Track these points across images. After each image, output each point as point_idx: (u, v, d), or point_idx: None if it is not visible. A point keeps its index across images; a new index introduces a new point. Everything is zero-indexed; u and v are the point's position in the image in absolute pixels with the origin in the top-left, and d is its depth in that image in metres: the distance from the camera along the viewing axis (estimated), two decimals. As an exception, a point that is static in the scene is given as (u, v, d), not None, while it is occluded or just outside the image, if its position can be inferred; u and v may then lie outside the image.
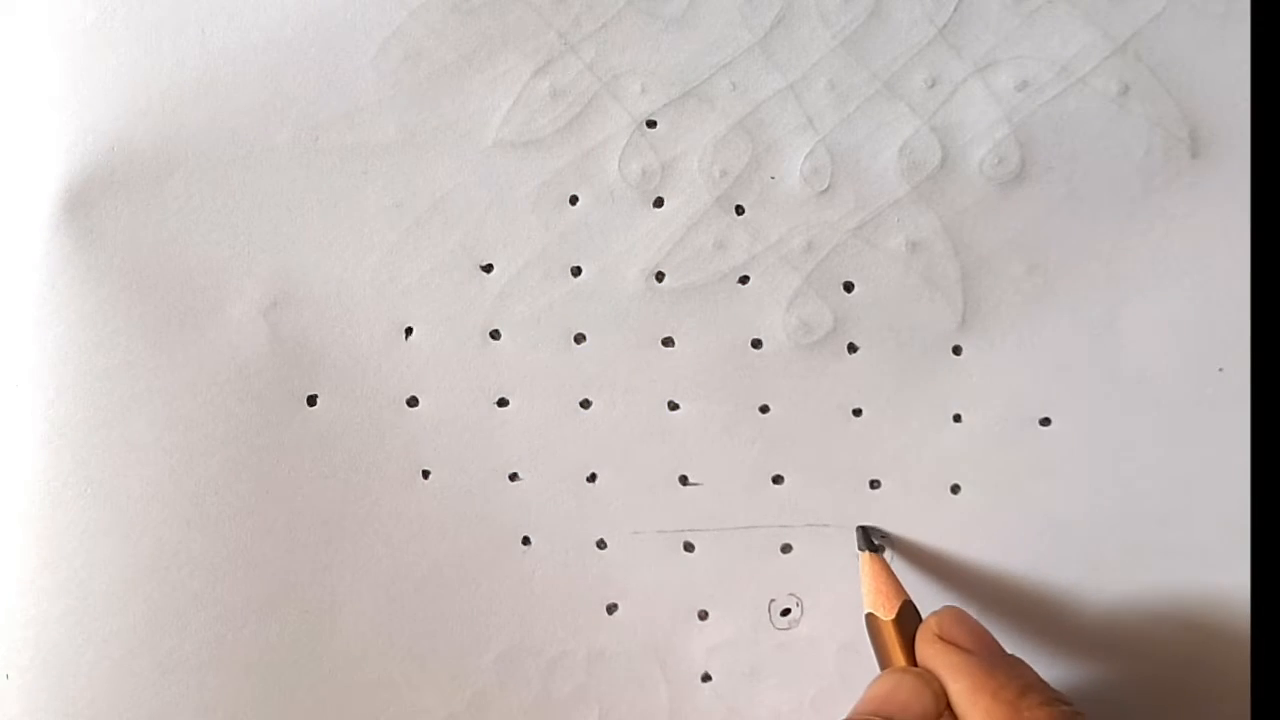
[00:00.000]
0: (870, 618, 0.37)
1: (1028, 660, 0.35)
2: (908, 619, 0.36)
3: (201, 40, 0.36)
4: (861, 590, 0.37)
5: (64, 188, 0.36)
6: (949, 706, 0.33)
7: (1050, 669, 0.39)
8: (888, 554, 0.38)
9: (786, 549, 0.39)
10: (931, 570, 0.39)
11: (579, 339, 0.38)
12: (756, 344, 0.38)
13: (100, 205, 0.36)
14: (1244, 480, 0.38)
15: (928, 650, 0.35)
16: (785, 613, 0.39)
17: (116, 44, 0.36)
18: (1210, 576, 0.38)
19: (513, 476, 0.38)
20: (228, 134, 0.36)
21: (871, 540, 0.38)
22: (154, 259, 0.36)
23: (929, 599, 0.38)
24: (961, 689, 0.33)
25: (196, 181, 0.36)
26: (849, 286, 0.38)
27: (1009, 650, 0.35)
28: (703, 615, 0.39)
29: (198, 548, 0.37)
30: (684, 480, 0.39)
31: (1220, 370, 0.38)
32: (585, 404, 0.38)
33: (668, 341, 0.38)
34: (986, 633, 0.35)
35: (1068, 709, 0.32)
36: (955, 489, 0.39)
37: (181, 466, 0.37)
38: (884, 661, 0.36)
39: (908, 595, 0.36)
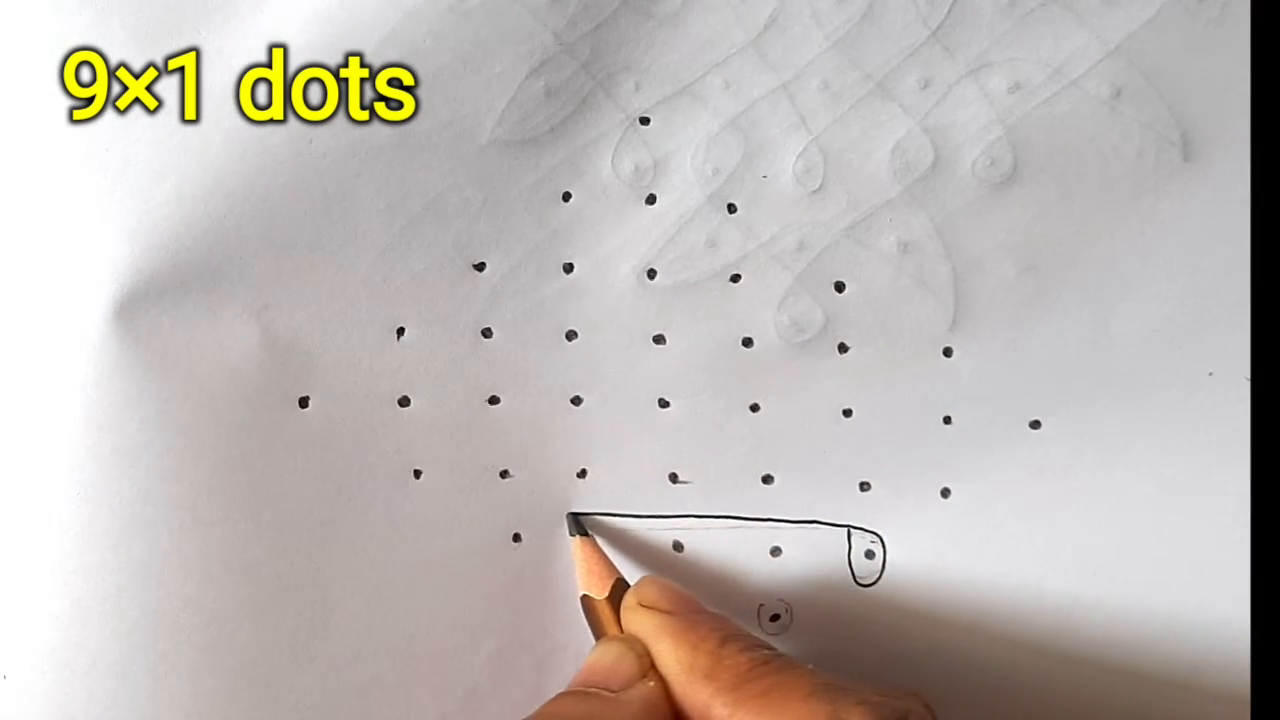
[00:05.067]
0: (585, 599, 0.37)
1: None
2: (620, 597, 0.36)
3: (198, 42, 0.35)
4: (576, 574, 0.38)
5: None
6: (654, 668, 0.34)
7: (1043, 670, 0.39)
8: (870, 553, 0.39)
9: (776, 552, 0.39)
10: (924, 571, 0.39)
11: (570, 336, 0.38)
12: (747, 342, 0.38)
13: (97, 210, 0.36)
14: (1239, 484, 0.38)
15: (630, 617, 0.35)
16: (774, 619, 0.39)
17: (111, 42, 0.35)
18: (1206, 582, 0.38)
19: (504, 474, 0.38)
20: (220, 136, 0.36)
21: (582, 525, 0.38)
22: (148, 260, 0.36)
23: (925, 600, 0.38)
24: (663, 647, 0.33)
25: (188, 183, 0.36)
26: (840, 286, 0.38)
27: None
28: (694, 613, 0.39)
29: (190, 550, 0.37)
30: (674, 478, 0.39)
31: (1210, 375, 0.38)
32: (576, 401, 0.38)
33: (659, 339, 0.38)
34: (688, 595, 0.35)
35: (769, 652, 0.33)
36: (945, 492, 0.39)
37: (173, 469, 0.36)
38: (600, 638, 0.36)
39: (620, 574, 0.37)
